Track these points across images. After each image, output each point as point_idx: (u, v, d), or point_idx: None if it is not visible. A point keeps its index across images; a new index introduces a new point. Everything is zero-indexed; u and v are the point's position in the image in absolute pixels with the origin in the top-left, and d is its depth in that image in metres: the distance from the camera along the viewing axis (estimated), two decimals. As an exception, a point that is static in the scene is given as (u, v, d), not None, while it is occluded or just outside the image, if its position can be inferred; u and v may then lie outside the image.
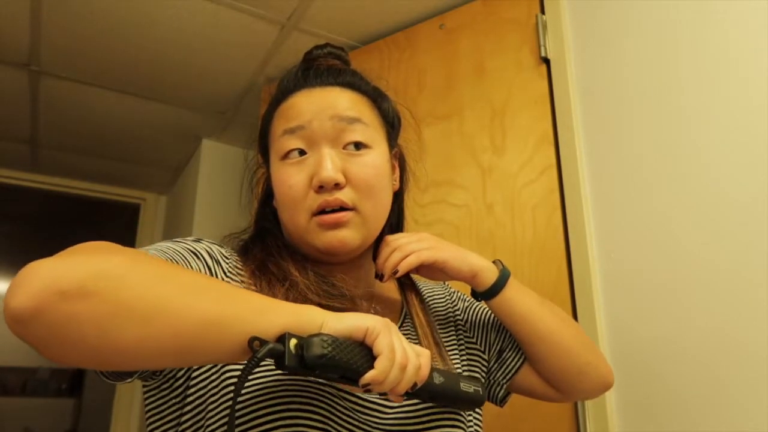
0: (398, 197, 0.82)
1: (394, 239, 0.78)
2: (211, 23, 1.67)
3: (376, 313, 0.75)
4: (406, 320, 0.78)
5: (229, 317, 0.48)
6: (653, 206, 1.10)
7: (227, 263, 0.68)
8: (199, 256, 0.66)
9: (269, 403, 0.58)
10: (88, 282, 0.43)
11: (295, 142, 0.70)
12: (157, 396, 0.63)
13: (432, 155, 1.43)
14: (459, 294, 0.89)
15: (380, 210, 0.73)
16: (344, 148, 0.70)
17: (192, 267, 0.63)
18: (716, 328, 0.97)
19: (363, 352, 0.52)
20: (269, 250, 0.72)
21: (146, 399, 0.64)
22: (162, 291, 0.47)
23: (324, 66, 0.76)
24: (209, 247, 0.69)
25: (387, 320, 0.54)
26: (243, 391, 0.58)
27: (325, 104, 0.72)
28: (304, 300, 0.65)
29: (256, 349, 0.47)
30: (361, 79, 0.77)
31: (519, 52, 1.40)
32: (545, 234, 1.25)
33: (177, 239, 0.68)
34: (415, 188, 0.87)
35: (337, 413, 0.60)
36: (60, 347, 0.44)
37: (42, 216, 4.00)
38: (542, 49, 1.36)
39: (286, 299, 0.64)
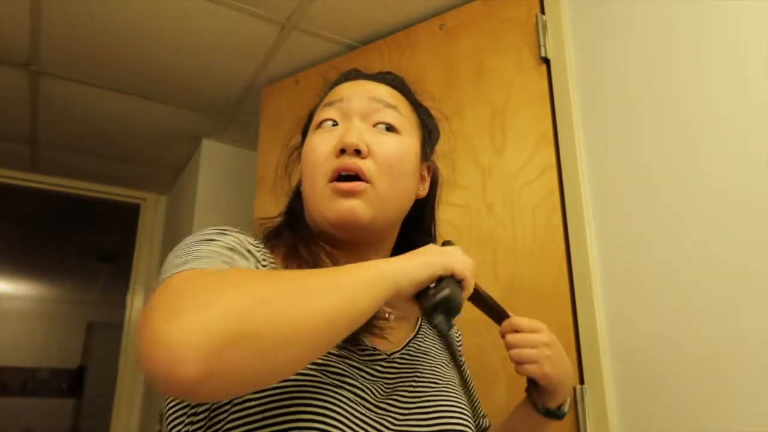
0: (423, 207, 0.82)
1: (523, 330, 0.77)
2: (211, 23, 1.67)
3: (392, 317, 0.75)
4: (420, 330, 0.79)
5: (351, 302, 0.52)
6: (653, 206, 1.11)
7: (258, 251, 0.67)
8: (236, 250, 0.63)
9: (283, 404, 0.58)
10: (233, 327, 0.43)
11: (330, 113, 0.74)
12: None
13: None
14: (462, 347, 0.91)
15: (396, 194, 0.72)
16: (375, 126, 0.72)
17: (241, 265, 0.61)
18: (716, 329, 0.97)
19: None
20: (299, 236, 0.73)
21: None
22: (289, 304, 0.48)
23: (375, 71, 0.81)
24: (237, 238, 0.66)
25: (439, 253, 0.62)
26: (257, 395, 0.58)
27: (367, 88, 0.76)
28: None
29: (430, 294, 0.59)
30: (408, 90, 0.81)
31: (519, 52, 1.40)
32: (545, 234, 1.25)
33: (207, 237, 0.62)
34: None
35: (352, 417, 0.60)
36: (241, 388, 0.48)
37: (42, 216, 4.00)
38: (542, 49, 1.36)
39: None
